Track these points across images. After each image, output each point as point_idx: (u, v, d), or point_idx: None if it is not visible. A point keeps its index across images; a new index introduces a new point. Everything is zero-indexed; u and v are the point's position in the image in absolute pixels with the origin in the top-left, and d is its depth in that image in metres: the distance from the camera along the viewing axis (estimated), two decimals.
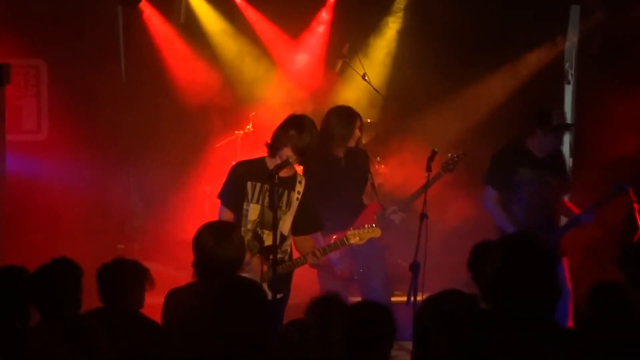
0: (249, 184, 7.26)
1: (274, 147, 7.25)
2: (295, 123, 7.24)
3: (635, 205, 8.80)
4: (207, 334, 5.29)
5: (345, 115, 8.33)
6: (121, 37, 10.80)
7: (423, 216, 7.67)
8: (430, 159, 7.86)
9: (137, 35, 10.89)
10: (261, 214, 7.24)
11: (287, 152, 7.15)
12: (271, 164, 7.21)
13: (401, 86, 11.06)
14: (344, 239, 7.47)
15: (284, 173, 7.13)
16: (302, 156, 7.20)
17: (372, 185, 8.42)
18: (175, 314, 5.81)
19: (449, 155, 8.48)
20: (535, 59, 10.98)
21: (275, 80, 11.16)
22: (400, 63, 11.19)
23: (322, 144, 8.08)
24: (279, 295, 6.92)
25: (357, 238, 7.50)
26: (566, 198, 8.84)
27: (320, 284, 8.26)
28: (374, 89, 10.36)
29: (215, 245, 5.90)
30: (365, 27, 11.29)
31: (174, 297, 5.93)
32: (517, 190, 8.48)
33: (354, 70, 10.38)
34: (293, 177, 7.31)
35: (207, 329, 5.33)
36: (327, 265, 7.85)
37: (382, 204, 8.41)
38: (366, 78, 10.32)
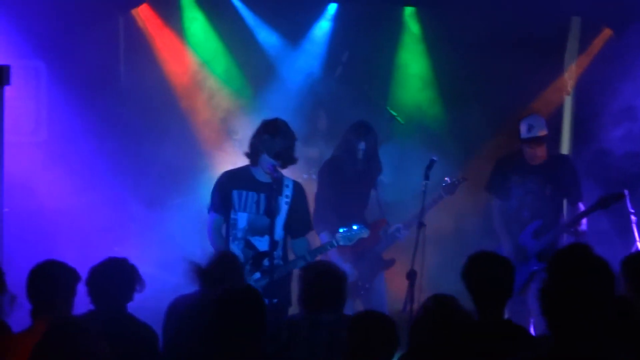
0: (234, 192, 7.30)
1: (252, 155, 7.27)
2: (267, 128, 7.26)
3: (633, 217, 8.83)
4: (205, 342, 5.30)
5: (356, 129, 8.43)
6: (121, 40, 10.80)
7: (420, 224, 7.72)
8: (428, 168, 7.93)
9: (137, 38, 10.88)
10: (250, 221, 7.27)
11: (265, 158, 7.17)
12: (255, 171, 7.26)
13: (405, 98, 11.05)
14: (333, 240, 7.52)
15: (270, 178, 7.15)
16: (280, 159, 7.21)
17: (378, 201, 8.52)
18: (179, 321, 5.83)
19: (448, 179, 8.61)
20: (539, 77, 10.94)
21: (275, 87, 11.14)
22: (403, 74, 11.18)
23: (338, 156, 8.23)
24: (274, 301, 6.96)
25: (347, 239, 7.54)
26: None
27: None
28: (373, 99, 10.35)
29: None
30: (366, 37, 11.27)
31: (178, 304, 5.96)
32: (511, 197, 8.61)
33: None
34: (280, 182, 7.31)
35: (206, 337, 5.33)
36: None
37: (388, 220, 8.52)
38: (365, 87, 10.31)
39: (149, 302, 6.28)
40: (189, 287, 6.09)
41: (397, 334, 5.00)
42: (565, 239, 8.56)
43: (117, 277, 5.76)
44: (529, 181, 8.60)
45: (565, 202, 8.90)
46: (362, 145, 8.34)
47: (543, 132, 8.51)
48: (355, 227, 7.55)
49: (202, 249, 9.59)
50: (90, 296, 5.75)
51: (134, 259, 5.92)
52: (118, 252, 6.19)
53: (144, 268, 6.01)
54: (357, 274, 8.33)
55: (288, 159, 7.29)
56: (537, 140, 8.50)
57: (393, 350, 4.95)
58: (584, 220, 8.41)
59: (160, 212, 10.28)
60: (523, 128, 8.52)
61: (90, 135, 10.06)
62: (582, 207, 8.55)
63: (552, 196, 8.59)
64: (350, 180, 8.43)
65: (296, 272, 7.39)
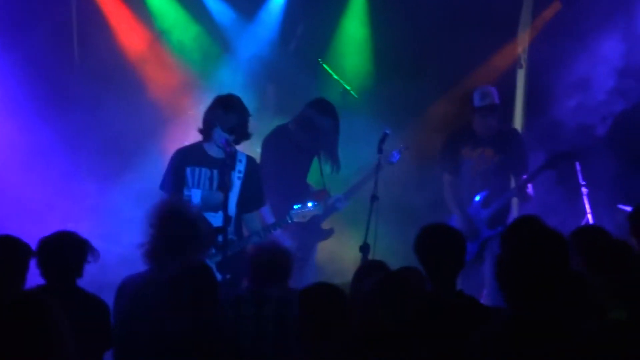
0: (188, 169, 7.29)
1: (206, 131, 7.26)
2: (221, 103, 7.25)
3: (584, 189, 8.93)
4: (159, 319, 5.30)
5: (329, 111, 8.41)
6: (74, 15, 10.69)
7: (374, 198, 7.75)
8: (382, 141, 7.96)
9: (91, 14, 10.77)
10: (204, 197, 7.25)
11: (218, 133, 7.16)
12: (208, 147, 7.24)
13: (358, 69, 11.04)
14: (287, 217, 7.52)
15: (223, 153, 7.14)
16: (234, 134, 7.20)
17: (321, 171, 8.50)
18: (130, 301, 5.81)
19: (392, 150, 8.64)
20: (496, 61, 11.00)
21: (232, 62, 11.10)
22: (358, 46, 11.17)
23: (288, 126, 8.19)
24: (227, 276, 6.96)
25: (301, 215, 7.55)
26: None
27: None
28: (331, 72, 10.33)
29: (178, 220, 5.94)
30: (321, 11, 11.25)
31: (129, 283, 5.93)
32: (461, 169, 8.69)
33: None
34: (233, 157, 7.29)
35: (159, 314, 5.33)
36: None
37: (329, 190, 8.50)
38: (320, 60, 10.29)
39: (98, 276, 6.26)
40: (138, 263, 6.05)
41: (348, 306, 5.02)
42: (514, 207, 8.67)
43: (68, 251, 5.75)
44: (478, 153, 8.67)
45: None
46: (321, 122, 8.31)
47: (496, 100, 8.58)
48: (310, 205, 7.57)
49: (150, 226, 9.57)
50: (40, 269, 5.74)
51: (84, 234, 5.89)
52: (70, 227, 6.11)
53: (95, 243, 5.97)
54: (296, 244, 8.30)
55: (242, 134, 7.29)
56: (490, 108, 8.55)
57: (346, 322, 4.96)
58: (530, 186, 8.52)
59: (110, 188, 10.20)
60: (476, 97, 8.58)
61: (40, 110, 9.95)
62: (529, 185, 8.61)
63: (501, 167, 8.68)
64: (293, 150, 8.39)
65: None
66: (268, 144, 8.48)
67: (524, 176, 8.58)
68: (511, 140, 8.78)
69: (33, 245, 5.75)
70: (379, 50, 11.07)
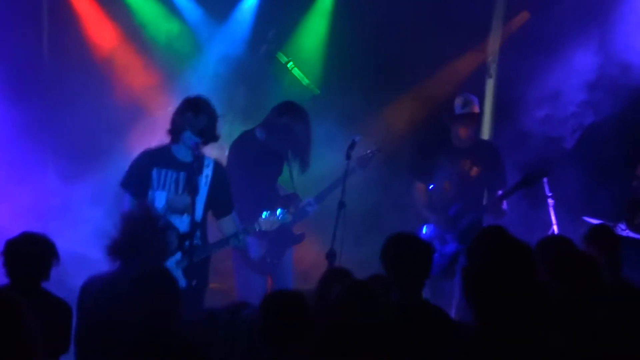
0: (154, 171, 7.23)
1: (174, 133, 7.22)
2: (190, 105, 7.21)
3: (550, 201, 8.96)
4: (120, 322, 5.26)
5: (299, 114, 8.27)
6: (45, 15, 10.63)
7: (341, 205, 7.72)
8: (350, 147, 7.93)
9: (61, 13, 10.71)
10: (169, 200, 7.20)
11: (187, 136, 7.12)
12: (176, 150, 7.20)
13: (328, 74, 11.03)
14: (256, 224, 7.46)
15: (191, 156, 7.10)
16: (203, 137, 7.17)
17: (291, 175, 8.43)
18: (92, 302, 5.77)
19: (362, 152, 8.49)
20: (461, 65, 11.04)
21: (202, 63, 11.07)
22: (329, 52, 11.19)
23: (255, 132, 8.16)
24: (193, 282, 6.92)
25: (268, 224, 7.50)
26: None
27: (236, 279, 8.32)
28: (298, 78, 10.32)
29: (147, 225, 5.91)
30: (292, 14, 11.25)
31: (91, 284, 5.89)
32: (434, 177, 8.63)
33: (278, 57, 10.33)
34: (200, 162, 7.27)
35: (121, 317, 5.29)
36: (243, 254, 7.89)
37: (299, 194, 8.45)
38: (289, 66, 10.27)
39: (66, 278, 6.22)
40: (105, 264, 6.02)
41: (310, 313, 5.01)
42: (487, 221, 8.63)
43: (34, 252, 5.74)
44: (455, 163, 8.60)
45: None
46: (292, 125, 8.18)
47: (477, 109, 8.55)
48: (278, 213, 7.51)
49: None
50: (6, 269, 5.72)
51: (49, 234, 5.87)
52: (36, 227, 6.07)
53: (61, 244, 5.96)
54: (265, 249, 8.25)
55: (210, 137, 7.25)
56: (471, 117, 8.51)
57: (307, 329, 4.95)
58: (504, 201, 8.49)
59: (75, 187, 10.13)
60: (457, 104, 8.52)
61: (5, 108, 9.87)
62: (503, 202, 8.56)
63: (476, 179, 8.62)
64: (259, 155, 8.25)
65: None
66: (234, 150, 8.37)
67: (500, 192, 8.54)
68: (489, 153, 8.70)
69: None
70: (343, 49, 11.03)
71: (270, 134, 8.22)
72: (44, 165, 10.21)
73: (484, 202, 8.81)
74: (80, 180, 10.22)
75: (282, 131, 8.17)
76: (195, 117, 7.12)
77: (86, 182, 10.21)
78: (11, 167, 9.81)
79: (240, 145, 8.37)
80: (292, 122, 8.16)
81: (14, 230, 5.99)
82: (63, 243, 6.13)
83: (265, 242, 8.22)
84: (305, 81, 10.16)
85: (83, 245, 8.81)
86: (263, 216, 7.49)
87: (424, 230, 8.64)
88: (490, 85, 11.13)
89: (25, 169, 9.90)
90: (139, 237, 5.93)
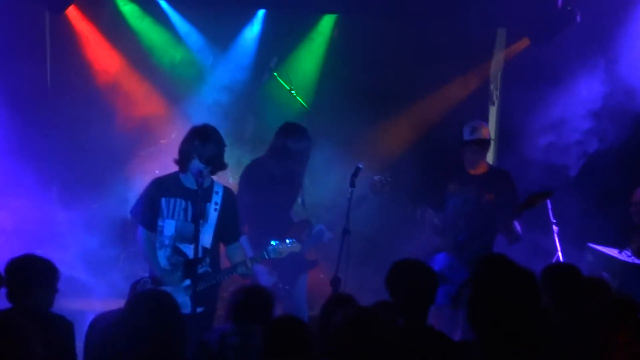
0: (163, 200, 7.24)
1: (182, 162, 7.22)
2: (198, 134, 7.21)
3: (555, 227, 8.93)
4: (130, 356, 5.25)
5: (299, 133, 8.31)
6: (47, 41, 10.66)
7: (345, 231, 7.71)
8: (354, 175, 7.90)
9: (64, 39, 10.75)
10: (178, 228, 7.20)
11: (195, 164, 7.13)
12: (184, 178, 7.21)
13: (328, 101, 11.06)
14: (265, 252, 7.46)
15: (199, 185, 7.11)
16: (211, 165, 7.17)
17: (303, 202, 8.46)
18: (101, 337, 5.76)
19: (376, 178, 8.44)
20: (461, 85, 11.07)
21: (204, 90, 11.09)
22: (327, 80, 11.21)
23: (263, 159, 8.20)
24: (199, 309, 6.90)
25: (278, 252, 7.50)
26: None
27: None
28: (302, 103, 10.34)
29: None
30: (294, 42, 11.31)
31: (100, 320, 5.89)
32: (446, 205, 8.56)
33: (282, 83, 10.35)
34: (209, 188, 7.28)
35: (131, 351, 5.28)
36: (253, 278, 7.88)
37: (311, 221, 8.46)
38: (293, 92, 10.29)
39: (65, 303, 6.23)
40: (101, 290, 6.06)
41: (312, 339, 5.00)
42: (497, 247, 8.55)
43: (39, 277, 5.76)
44: (466, 190, 8.52)
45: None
46: (293, 146, 8.20)
47: (486, 135, 8.49)
48: (287, 242, 7.51)
49: (123, 252, 9.54)
50: (8, 290, 5.74)
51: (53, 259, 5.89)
52: (40, 253, 6.07)
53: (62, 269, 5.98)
54: (277, 275, 8.27)
55: (218, 165, 7.25)
56: (480, 143, 8.42)
57: (308, 356, 4.93)
58: (518, 226, 8.37)
59: (78, 215, 10.13)
60: (466, 131, 8.44)
61: (11, 135, 9.88)
62: (517, 225, 8.47)
63: (488, 206, 8.52)
64: (268, 182, 8.31)
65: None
66: (244, 178, 8.44)
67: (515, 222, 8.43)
68: (503, 181, 8.57)
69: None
70: (340, 72, 11.08)
71: (273, 158, 8.28)
72: (45, 191, 10.20)
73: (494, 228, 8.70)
74: (77, 206, 10.21)
75: (281, 153, 8.22)
76: (203, 145, 7.12)
77: (83, 207, 10.20)
78: (9, 190, 9.80)
79: (248, 173, 8.44)
80: (289, 142, 8.19)
81: (6, 252, 5.99)
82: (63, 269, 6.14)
83: (277, 269, 8.25)
84: (296, 97, 10.21)
85: (70, 268, 8.83)
86: (272, 244, 7.49)
87: (435, 259, 8.56)
88: (493, 112, 11.14)
89: (26, 193, 9.88)
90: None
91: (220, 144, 7.19)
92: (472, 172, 8.54)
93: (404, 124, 10.97)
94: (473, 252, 8.35)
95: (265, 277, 8.12)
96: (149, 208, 7.26)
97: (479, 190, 8.45)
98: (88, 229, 9.91)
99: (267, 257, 7.48)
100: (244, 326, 5.79)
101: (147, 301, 5.07)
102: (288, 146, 8.20)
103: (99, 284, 9.46)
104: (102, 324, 5.84)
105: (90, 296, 9.16)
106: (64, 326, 5.77)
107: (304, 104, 10.27)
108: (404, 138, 10.96)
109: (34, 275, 5.74)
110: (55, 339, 5.51)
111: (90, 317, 6.10)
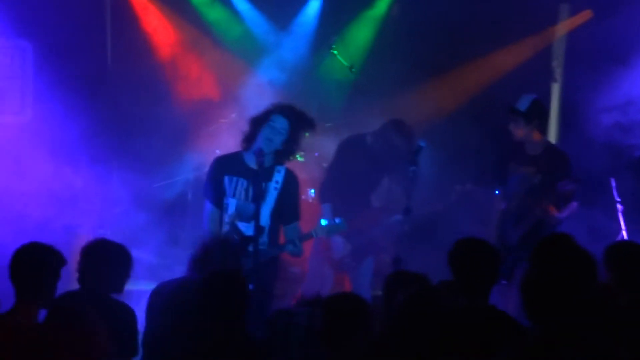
0: (226, 178, 7.26)
1: (248, 141, 7.23)
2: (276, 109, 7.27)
3: (619, 206, 8.83)
4: (190, 325, 5.28)
5: (407, 131, 8.56)
6: (108, 22, 10.73)
7: (407, 210, 7.68)
8: (416, 153, 7.83)
9: (126, 20, 10.81)
10: (238, 207, 7.23)
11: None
12: (247, 157, 7.22)
13: (382, 74, 10.97)
14: (312, 231, 7.49)
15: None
16: (283, 146, 7.23)
17: (390, 190, 8.63)
18: (162, 305, 5.80)
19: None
20: (520, 50, 10.95)
21: (263, 69, 11.09)
22: (384, 50, 11.13)
23: (363, 135, 8.67)
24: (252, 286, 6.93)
25: (325, 232, 7.55)
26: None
27: (309, 267, 8.73)
28: (340, 58, 10.36)
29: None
30: (352, 17, 11.27)
31: (162, 288, 5.94)
32: (506, 185, 8.46)
33: (341, 61, 10.32)
34: (271, 168, 7.27)
35: (191, 320, 5.31)
36: (325, 247, 8.15)
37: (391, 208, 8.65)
38: (353, 70, 10.26)
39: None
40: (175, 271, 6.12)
41: (372, 317, 4.99)
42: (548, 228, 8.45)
43: (110, 261, 5.73)
44: (522, 170, 8.41)
45: None
46: (400, 143, 8.45)
47: (521, 109, 8.24)
48: (337, 221, 7.58)
49: (191, 232, 9.61)
50: (80, 274, 5.72)
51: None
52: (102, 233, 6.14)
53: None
54: (350, 248, 8.53)
55: (286, 152, 7.30)
56: (512, 112, 8.28)
57: (368, 332, 4.92)
58: (567, 208, 8.24)
59: (139, 194, 10.19)
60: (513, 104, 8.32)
61: (75, 115, 9.96)
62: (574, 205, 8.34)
63: (539, 186, 8.40)
64: (363, 162, 8.58)
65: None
66: (343, 149, 8.78)
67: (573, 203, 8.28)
68: (559, 164, 8.38)
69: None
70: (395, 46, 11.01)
71: (376, 143, 8.60)
72: (112, 172, 10.30)
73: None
74: (149, 186, 10.30)
75: (385, 142, 8.53)
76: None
77: (143, 187, 10.26)
78: (79, 174, 9.89)
79: (348, 146, 8.77)
80: (395, 136, 8.47)
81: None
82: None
83: (352, 243, 8.55)
84: (345, 64, 10.26)
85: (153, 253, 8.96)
86: (322, 224, 7.51)
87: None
88: (555, 90, 10.99)
89: (93, 175, 9.97)
90: (214, 259, 6.00)
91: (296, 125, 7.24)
92: (529, 151, 8.38)
93: (468, 103, 10.86)
94: (524, 229, 8.29)
95: (340, 247, 8.47)
96: (214, 186, 7.30)
97: (532, 172, 8.32)
98: (146, 208, 9.99)
99: (315, 236, 7.55)
100: (311, 308, 5.80)
101: (227, 282, 5.10)
102: (390, 137, 8.50)
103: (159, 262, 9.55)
104: (164, 293, 5.89)
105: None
106: (127, 314, 5.74)
107: (353, 70, 10.22)
108: (466, 119, 10.84)
109: (105, 260, 5.71)
110: (120, 326, 5.49)
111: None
